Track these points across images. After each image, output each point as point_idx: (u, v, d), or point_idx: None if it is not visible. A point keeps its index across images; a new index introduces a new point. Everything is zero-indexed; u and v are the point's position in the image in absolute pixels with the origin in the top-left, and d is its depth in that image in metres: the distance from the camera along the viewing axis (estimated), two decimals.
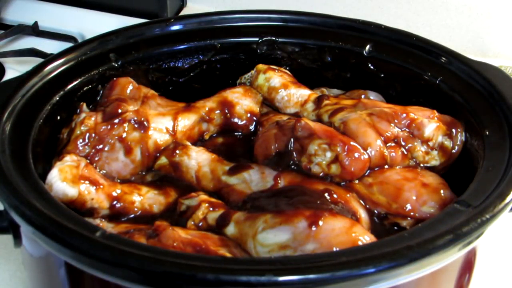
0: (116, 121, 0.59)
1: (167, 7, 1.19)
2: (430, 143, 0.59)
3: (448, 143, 0.59)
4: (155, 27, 0.74)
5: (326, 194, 0.52)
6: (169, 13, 1.20)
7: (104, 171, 0.58)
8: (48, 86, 0.64)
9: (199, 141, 0.64)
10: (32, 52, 1.05)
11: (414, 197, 0.54)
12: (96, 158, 0.58)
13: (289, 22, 0.76)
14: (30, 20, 1.16)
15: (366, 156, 0.56)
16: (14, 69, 1.02)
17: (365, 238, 0.48)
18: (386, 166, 0.57)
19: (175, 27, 0.74)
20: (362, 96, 0.65)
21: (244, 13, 0.76)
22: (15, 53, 1.06)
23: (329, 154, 0.56)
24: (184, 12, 1.23)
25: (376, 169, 0.57)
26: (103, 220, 0.54)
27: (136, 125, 0.59)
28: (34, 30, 1.15)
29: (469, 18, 1.08)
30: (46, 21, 1.16)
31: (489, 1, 1.06)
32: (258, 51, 0.72)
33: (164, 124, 0.61)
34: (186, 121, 0.62)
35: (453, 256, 0.48)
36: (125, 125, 0.59)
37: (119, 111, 0.60)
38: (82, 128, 0.59)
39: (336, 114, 0.61)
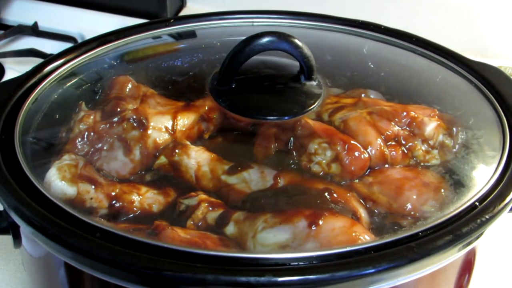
0: (115, 119, 0.59)
1: (167, 7, 1.19)
2: (431, 142, 0.59)
3: (448, 142, 0.59)
4: (155, 27, 0.75)
5: (326, 194, 0.52)
6: (169, 13, 1.21)
7: (103, 171, 0.58)
8: (48, 86, 0.64)
9: (198, 140, 0.64)
10: (32, 52, 1.05)
11: (414, 197, 0.54)
12: (95, 157, 0.58)
13: (289, 22, 0.76)
14: (30, 20, 1.16)
15: (366, 155, 0.56)
16: (14, 69, 1.02)
17: (365, 237, 0.48)
18: (386, 165, 0.57)
19: (175, 27, 0.74)
20: (362, 95, 0.65)
21: (244, 14, 0.77)
22: (15, 53, 1.06)
23: (329, 153, 0.56)
24: (184, 12, 1.23)
25: (377, 168, 0.57)
26: (102, 219, 0.54)
27: (135, 124, 0.59)
28: (34, 30, 1.15)
29: (469, 18, 1.08)
30: (46, 21, 1.17)
31: (489, 1, 1.06)
32: None
33: (163, 123, 0.61)
34: (185, 120, 0.62)
35: (453, 257, 0.48)
36: (124, 123, 0.59)
37: (118, 109, 0.60)
38: (80, 126, 0.59)
39: (336, 113, 0.61)
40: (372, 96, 0.66)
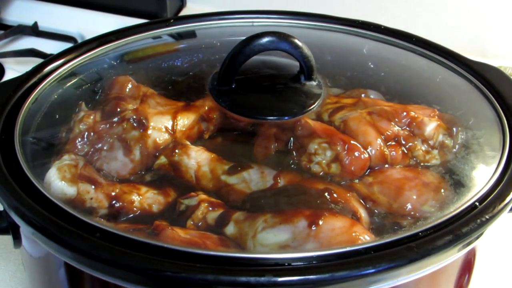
0: (115, 119, 0.59)
1: (167, 7, 1.19)
2: (431, 142, 0.59)
3: (448, 142, 0.59)
4: (155, 27, 0.75)
5: (326, 194, 0.52)
6: (169, 13, 1.21)
7: (103, 171, 0.58)
8: (48, 86, 0.64)
9: (198, 140, 0.64)
10: (32, 52, 1.05)
11: (414, 197, 0.54)
12: (95, 157, 0.58)
13: (289, 22, 0.76)
14: (30, 20, 1.16)
15: (366, 155, 0.56)
16: (14, 69, 1.02)
17: (365, 237, 0.48)
18: (386, 165, 0.57)
19: (175, 27, 0.74)
20: (362, 95, 0.65)
21: (244, 14, 0.77)
22: (15, 53, 1.06)
23: (329, 153, 0.56)
24: (184, 12, 1.23)
25: (377, 168, 0.57)
26: (102, 219, 0.54)
27: (135, 124, 0.59)
28: (34, 30, 1.15)
29: (469, 18, 1.08)
30: (46, 21, 1.17)
31: (489, 1, 1.06)
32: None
33: (163, 123, 0.61)
34: (185, 120, 0.62)
35: (453, 257, 0.48)
36: (124, 123, 0.59)
37: (118, 109, 0.60)
38: (80, 126, 0.59)
39: (336, 113, 0.61)
40: (372, 96, 0.66)
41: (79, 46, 0.70)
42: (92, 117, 0.60)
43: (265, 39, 0.60)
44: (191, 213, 0.53)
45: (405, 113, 0.59)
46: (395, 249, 0.44)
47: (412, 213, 0.53)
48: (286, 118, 0.59)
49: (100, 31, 0.73)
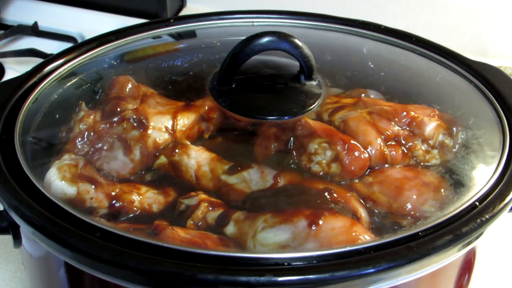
0: (115, 119, 0.59)
1: (167, 7, 1.20)
2: (431, 142, 0.59)
3: (448, 142, 0.59)
4: (155, 27, 0.75)
5: (326, 193, 0.52)
6: (169, 13, 1.21)
7: (103, 170, 0.58)
8: (48, 86, 0.64)
9: (198, 140, 0.64)
10: (32, 52, 1.06)
11: (414, 196, 0.54)
12: (95, 157, 0.58)
13: (289, 22, 0.76)
14: (30, 20, 1.16)
15: (366, 155, 0.56)
16: (14, 69, 1.02)
17: (365, 237, 0.48)
18: (386, 165, 0.57)
19: (175, 27, 0.75)
20: (362, 95, 0.65)
21: (244, 14, 0.77)
22: (15, 53, 1.07)
23: (329, 153, 0.56)
24: (184, 12, 1.23)
25: (377, 168, 0.57)
26: (102, 219, 0.54)
27: (135, 124, 0.59)
28: (34, 30, 1.15)
29: (469, 18, 1.08)
30: (46, 21, 1.17)
31: (489, 1, 1.06)
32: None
33: (163, 123, 0.61)
34: (185, 120, 0.62)
35: (453, 256, 0.48)
36: (124, 123, 0.59)
37: (118, 109, 0.60)
38: (80, 126, 0.59)
39: (336, 112, 0.61)
40: (372, 96, 0.66)
41: (79, 46, 0.70)
42: (92, 117, 0.60)
43: (265, 39, 0.60)
44: (191, 213, 0.53)
45: (405, 113, 0.59)
46: (395, 249, 0.44)
47: (412, 213, 0.53)
48: (286, 118, 0.59)
49: (100, 31, 0.73)
